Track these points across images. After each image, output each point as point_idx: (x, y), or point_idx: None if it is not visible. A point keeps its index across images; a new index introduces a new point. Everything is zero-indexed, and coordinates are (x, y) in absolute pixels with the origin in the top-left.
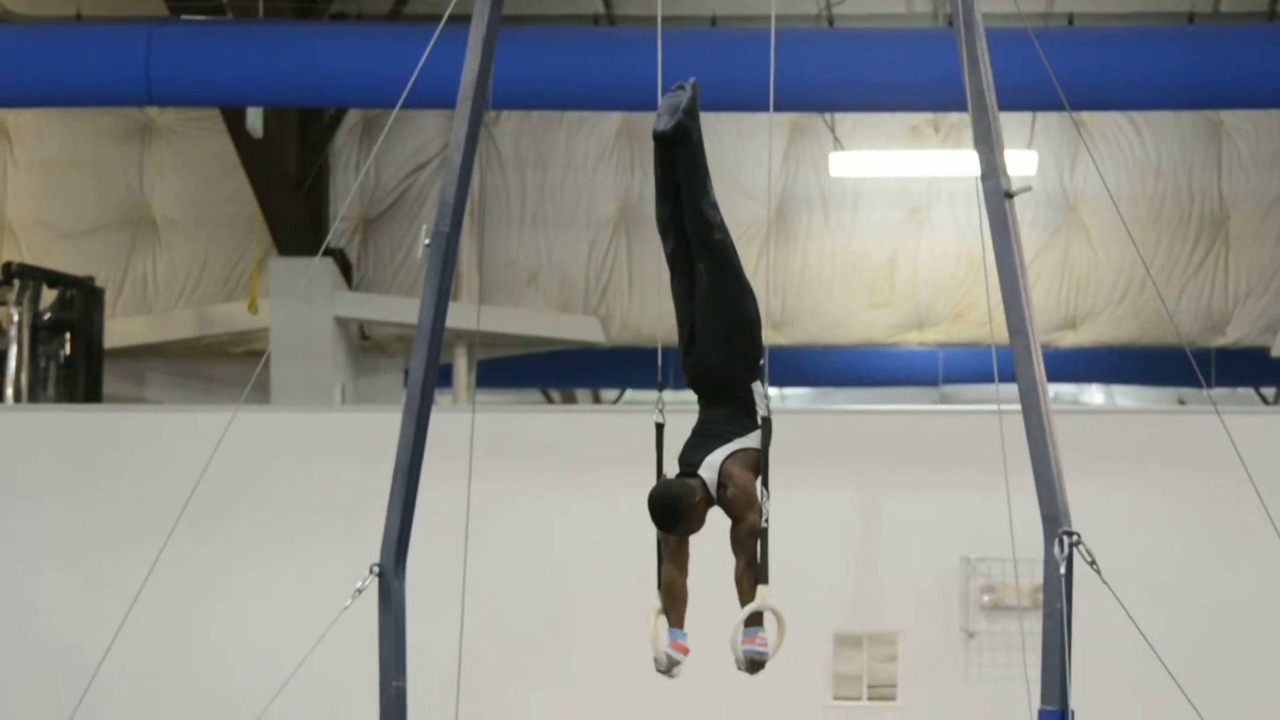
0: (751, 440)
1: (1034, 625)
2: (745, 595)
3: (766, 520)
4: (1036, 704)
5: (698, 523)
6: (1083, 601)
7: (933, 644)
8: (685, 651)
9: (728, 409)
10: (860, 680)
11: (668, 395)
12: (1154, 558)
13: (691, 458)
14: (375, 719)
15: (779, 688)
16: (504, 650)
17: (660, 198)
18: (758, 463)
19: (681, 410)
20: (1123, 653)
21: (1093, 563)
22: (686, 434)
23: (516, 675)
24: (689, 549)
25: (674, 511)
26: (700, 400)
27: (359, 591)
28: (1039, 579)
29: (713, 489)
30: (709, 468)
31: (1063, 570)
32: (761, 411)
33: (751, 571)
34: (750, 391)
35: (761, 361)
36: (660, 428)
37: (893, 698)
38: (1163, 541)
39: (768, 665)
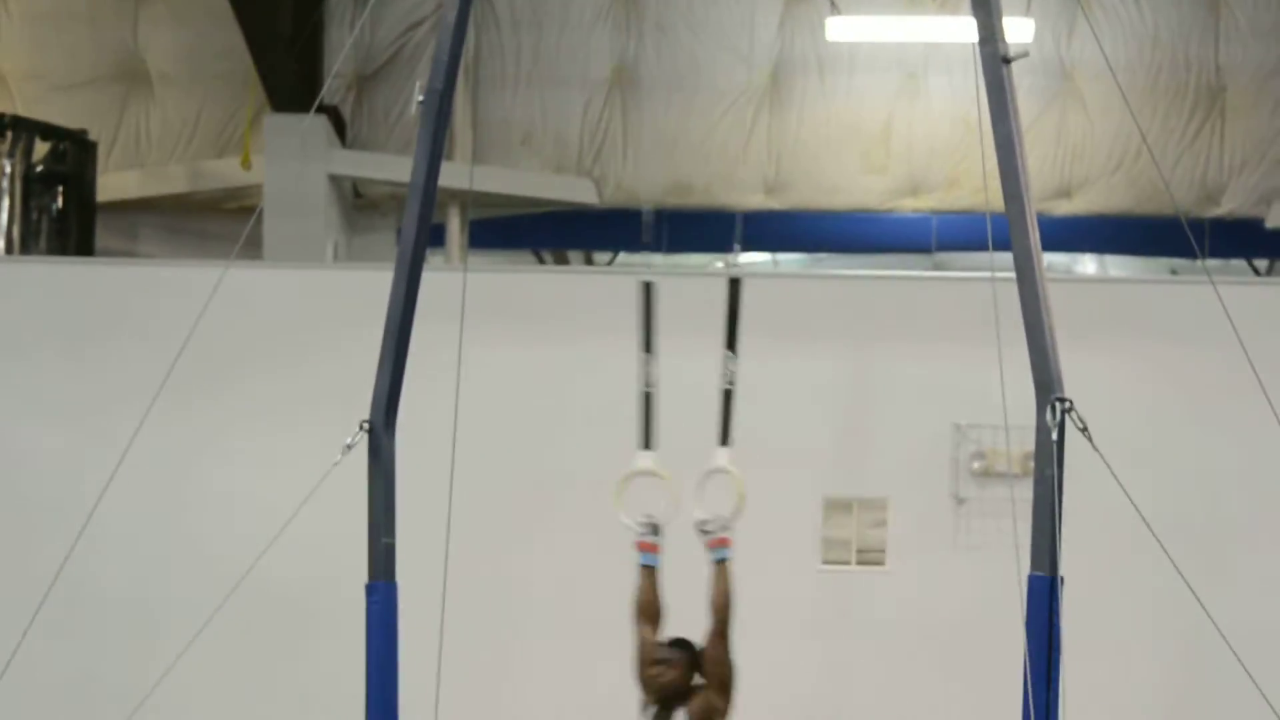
0: None
1: (1024, 492)
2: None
3: (731, 383)
4: (1026, 570)
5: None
6: (1072, 469)
7: (922, 510)
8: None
9: None
10: (849, 545)
11: (657, 259)
12: (1144, 426)
13: None
14: (364, 575)
15: (769, 552)
16: (493, 508)
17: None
18: None
19: (670, 273)
20: (1112, 520)
21: (1084, 429)
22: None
23: (506, 534)
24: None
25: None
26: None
27: (349, 447)
28: (1030, 446)
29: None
30: None
31: (1054, 436)
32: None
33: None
34: None
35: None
36: (648, 288)
37: (881, 562)
38: (1153, 410)
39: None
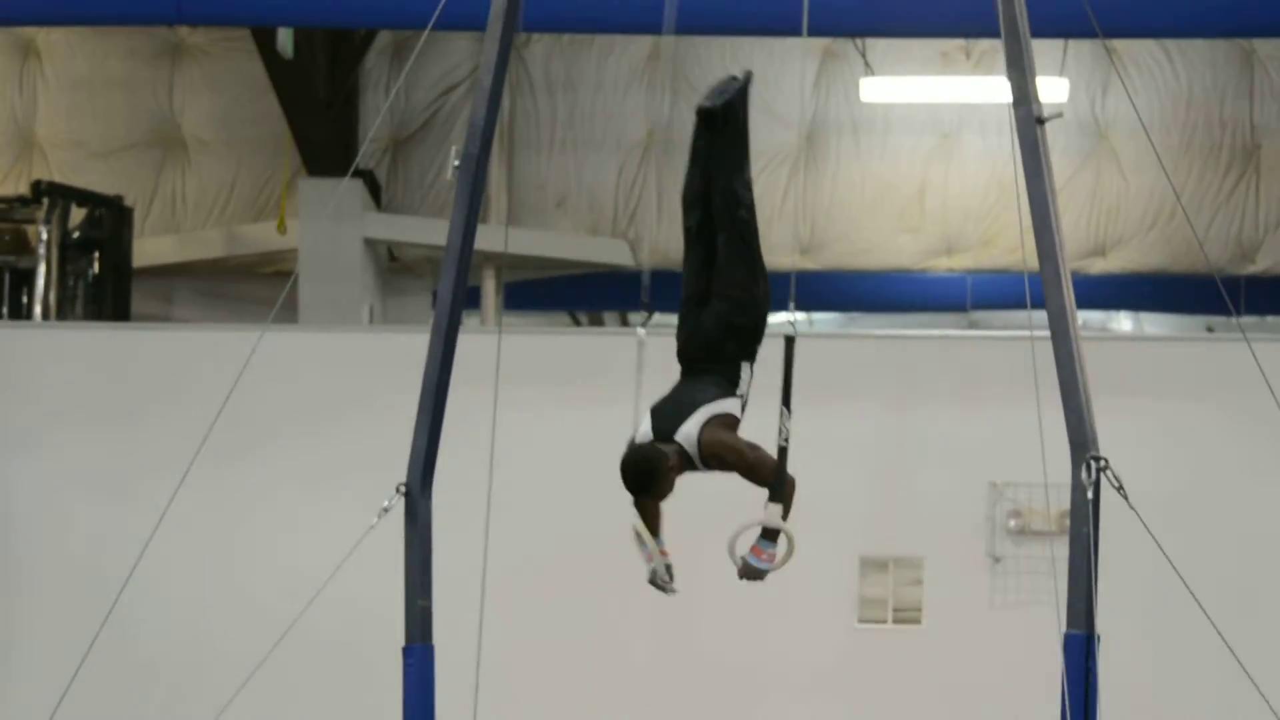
0: (726, 405)
1: (1060, 551)
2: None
3: (787, 440)
4: (1063, 629)
5: (668, 489)
6: (1109, 528)
7: (958, 568)
8: (668, 555)
9: (709, 379)
10: (885, 604)
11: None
12: (1181, 485)
13: (665, 425)
14: (401, 637)
15: (804, 610)
16: (528, 571)
17: (693, 168)
18: (735, 423)
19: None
20: (1149, 579)
21: (1120, 488)
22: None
23: (541, 596)
24: (660, 508)
25: (646, 477)
26: (685, 366)
27: (385, 510)
28: (1066, 504)
29: (695, 458)
30: (686, 436)
31: (1090, 495)
32: (741, 391)
33: (773, 490)
34: (737, 367)
35: (757, 346)
36: (641, 345)
37: (918, 621)
38: (1190, 468)
39: (768, 579)
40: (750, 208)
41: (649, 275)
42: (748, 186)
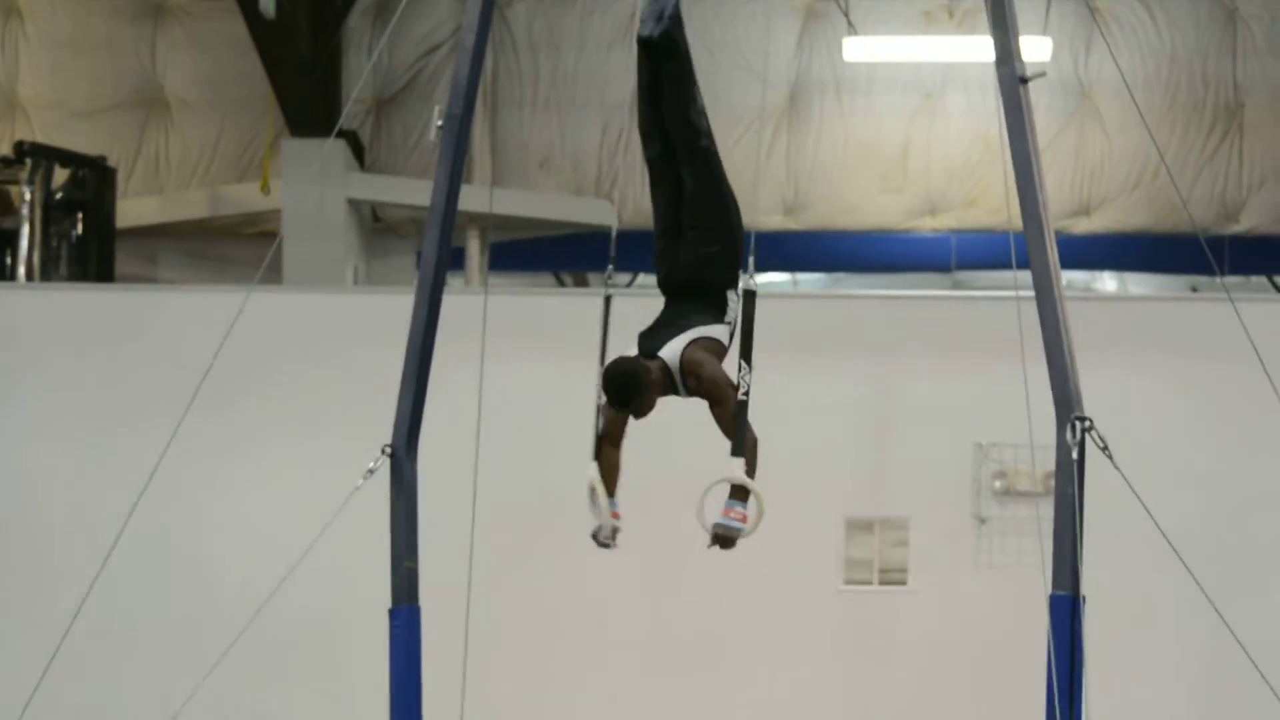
0: (714, 330)
1: (1046, 511)
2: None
3: (746, 394)
4: (1048, 590)
5: (649, 404)
6: (1094, 487)
7: (944, 529)
8: (617, 518)
9: (693, 305)
10: (872, 565)
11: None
12: (1165, 444)
13: (650, 344)
14: (386, 599)
15: (791, 572)
16: (514, 532)
17: (643, 101)
18: (721, 349)
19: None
20: (1133, 539)
21: (1105, 448)
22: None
23: (527, 557)
24: (625, 428)
25: (632, 385)
26: (668, 299)
27: (371, 472)
28: (1051, 465)
29: (677, 377)
30: (670, 354)
31: (1075, 455)
32: (728, 318)
33: (734, 446)
34: (723, 296)
35: (739, 269)
36: (608, 300)
37: (904, 582)
38: (1174, 428)
39: (739, 542)
40: (708, 134)
41: (616, 232)
42: (701, 114)
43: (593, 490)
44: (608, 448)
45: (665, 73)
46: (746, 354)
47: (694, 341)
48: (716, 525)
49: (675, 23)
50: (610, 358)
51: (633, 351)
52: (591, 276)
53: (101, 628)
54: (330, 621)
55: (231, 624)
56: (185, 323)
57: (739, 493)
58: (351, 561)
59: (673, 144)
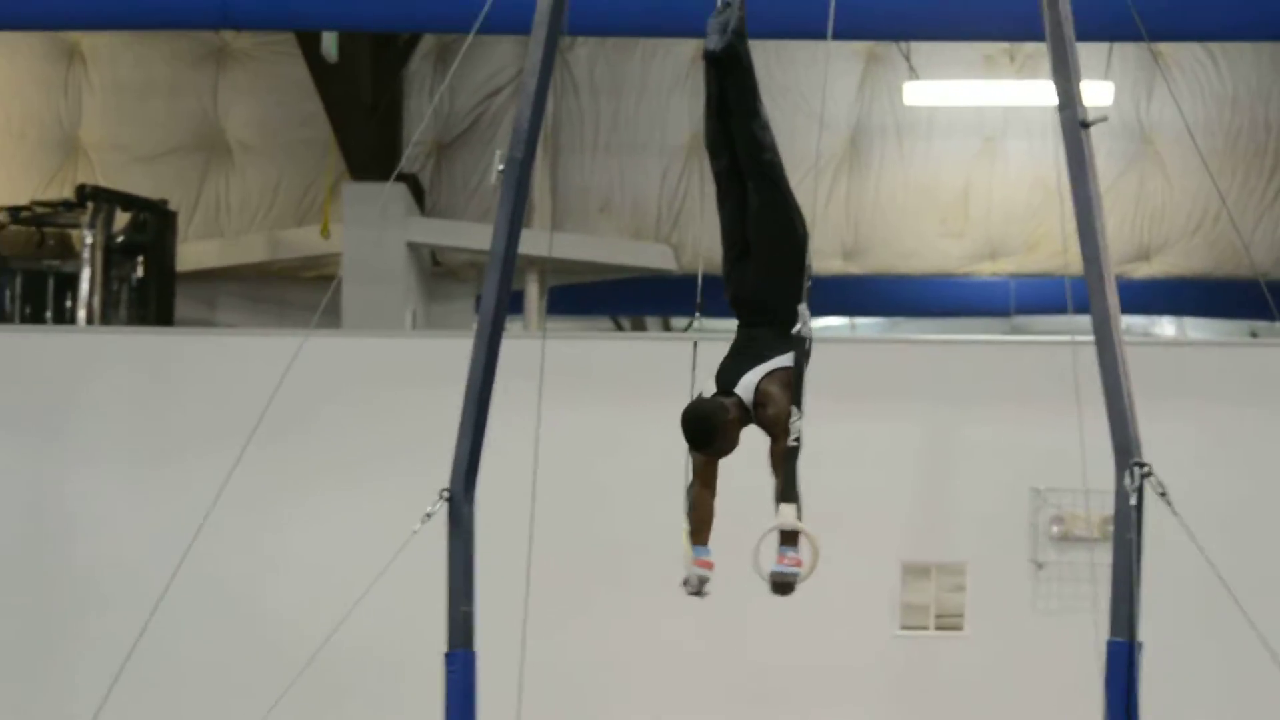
0: (789, 359)
1: (1103, 557)
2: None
3: (797, 440)
4: (1105, 635)
5: (731, 443)
6: (1152, 534)
7: (1001, 574)
8: (710, 567)
9: (768, 330)
10: (928, 610)
11: (719, 323)
12: (1224, 491)
13: (727, 377)
14: (443, 643)
15: (846, 617)
16: (570, 577)
17: (710, 116)
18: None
19: (726, 338)
20: (1192, 586)
21: (1164, 494)
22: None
23: (583, 602)
24: (718, 469)
25: (708, 429)
26: (741, 320)
27: (429, 516)
28: (1108, 510)
29: (750, 408)
30: (745, 387)
31: (1133, 501)
32: (799, 331)
33: (782, 491)
34: (793, 314)
35: (807, 283)
36: (695, 346)
37: (960, 627)
38: (1234, 474)
39: (797, 587)
40: (772, 148)
41: (701, 280)
42: (765, 128)
43: (687, 540)
44: (701, 491)
45: (729, 86)
46: (798, 400)
47: (770, 374)
48: (774, 574)
49: (739, 37)
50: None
51: (710, 387)
52: (649, 320)
53: (161, 666)
54: (385, 666)
55: (286, 667)
56: (244, 366)
57: (790, 538)
58: (407, 605)
59: (739, 160)
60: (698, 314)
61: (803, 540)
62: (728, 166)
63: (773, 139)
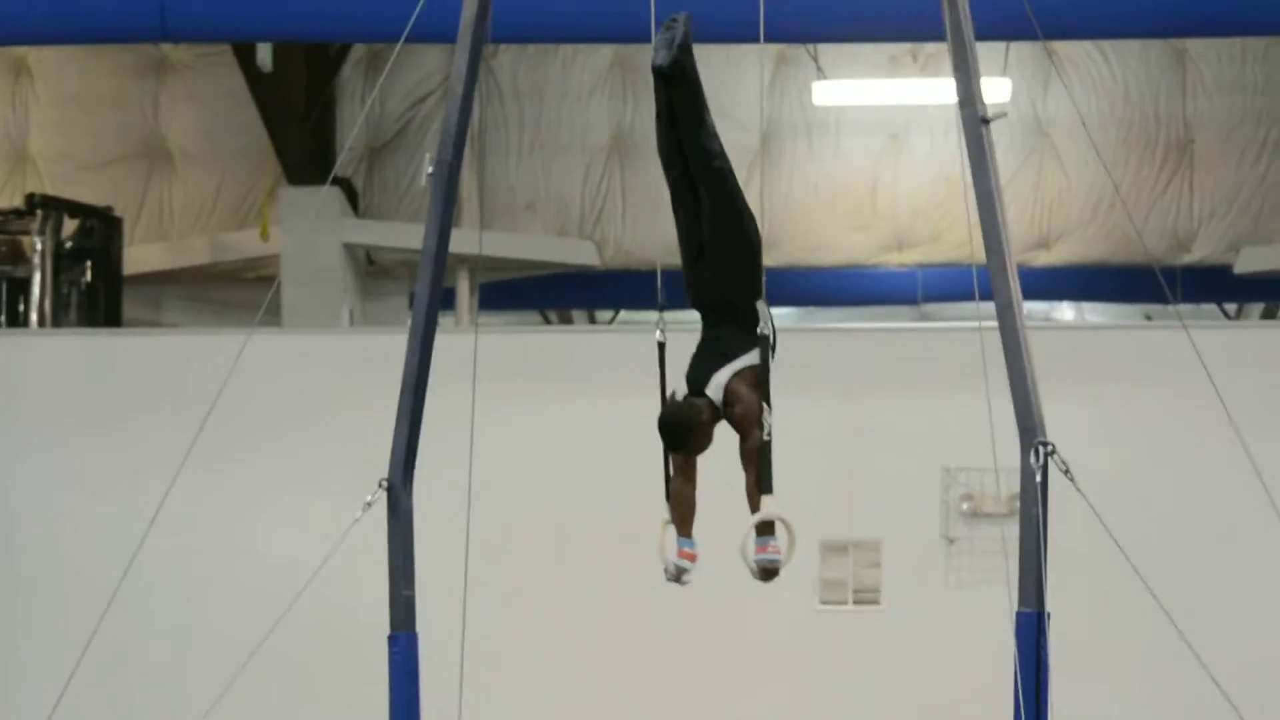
0: (755, 357)
1: (1011, 532)
2: (755, 507)
3: (769, 434)
4: (1015, 606)
5: (705, 441)
6: (1057, 508)
7: (915, 550)
8: (693, 559)
9: (730, 328)
10: (846, 585)
11: (667, 315)
12: (1124, 466)
13: (697, 376)
14: (386, 625)
15: (769, 594)
16: (507, 561)
17: (661, 128)
18: (763, 373)
19: (680, 330)
20: (1096, 558)
21: (1066, 471)
22: (687, 352)
23: (519, 586)
24: (696, 463)
25: (683, 432)
26: (704, 319)
27: (369, 504)
28: (1015, 487)
29: (720, 407)
30: (715, 387)
31: (1038, 479)
32: (762, 329)
33: (760, 484)
34: (753, 311)
35: (761, 280)
36: (662, 347)
37: (877, 601)
38: (1132, 450)
39: (780, 572)
40: (722, 155)
41: (660, 278)
42: (713, 136)
43: (662, 529)
44: (682, 485)
45: (677, 99)
46: (766, 396)
47: (738, 373)
48: (761, 562)
49: (684, 51)
50: (631, 390)
51: (681, 387)
52: (575, 314)
53: (113, 659)
54: (332, 649)
55: (236, 654)
56: (190, 364)
57: (767, 527)
58: (352, 591)
59: (690, 168)
60: (660, 317)
61: (780, 528)
62: (680, 175)
63: (721, 146)
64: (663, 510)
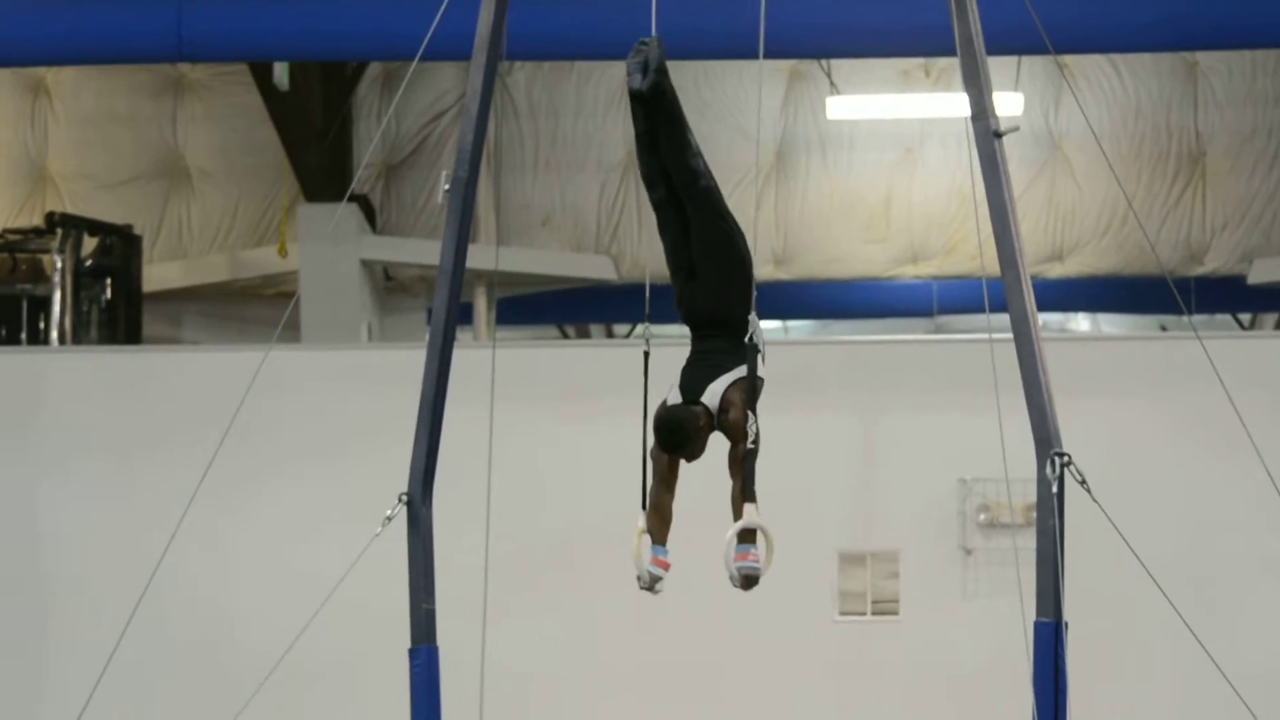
0: (745, 369)
1: (1028, 542)
2: (739, 515)
3: (755, 442)
4: (1032, 617)
5: (699, 447)
6: (1074, 519)
7: (932, 561)
8: (666, 567)
9: (723, 341)
10: (864, 596)
11: (664, 329)
12: (1140, 476)
13: (693, 386)
14: (406, 639)
15: (788, 605)
16: (526, 573)
17: (642, 150)
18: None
19: (674, 343)
20: (1113, 567)
21: (1083, 482)
22: (681, 364)
23: (537, 596)
24: (678, 473)
25: (680, 433)
26: (695, 333)
27: (389, 519)
28: (1032, 498)
29: (715, 415)
30: (711, 395)
31: (1055, 489)
32: (751, 340)
33: (744, 492)
34: (744, 323)
35: (754, 294)
36: (647, 356)
37: (895, 612)
38: (1148, 460)
39: (761, 580)
40: (707, 174)
41: (649, 291)
42: (697, 155)
43: (638, 537)
44: (662, 493)
45: (658, 121)
46: (752, 404)
47: (734, 383)
48: (743, 569)
49: (660, 73)
50: (640, 404)
51: (674, 395)
52: (593, 328)
53: (139, 671)
54: (354, 662)
55: (259, 666)
56: (209, 380)
57: (748, 535)
58: (373, 604)
59: (676, 189)
60: (647, 325)
61: (759, 536)
62: (665, 196)
63: (705, 164)
64: (640, 520)
